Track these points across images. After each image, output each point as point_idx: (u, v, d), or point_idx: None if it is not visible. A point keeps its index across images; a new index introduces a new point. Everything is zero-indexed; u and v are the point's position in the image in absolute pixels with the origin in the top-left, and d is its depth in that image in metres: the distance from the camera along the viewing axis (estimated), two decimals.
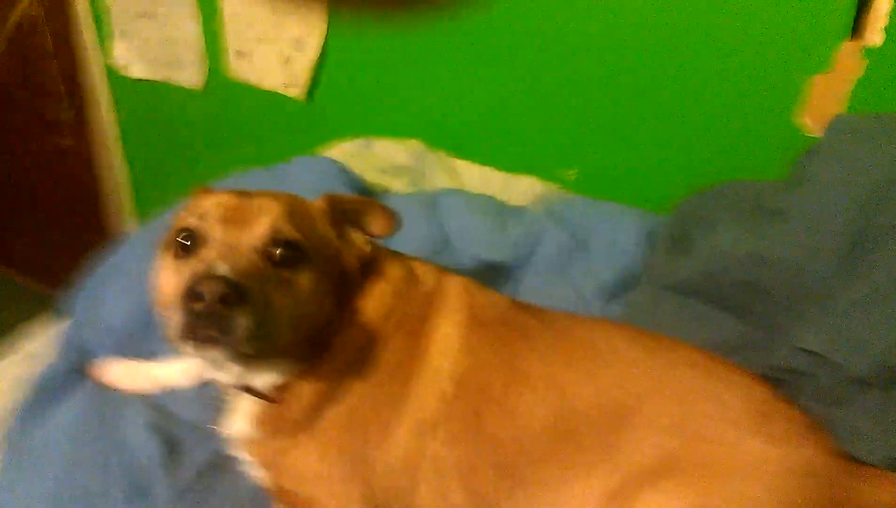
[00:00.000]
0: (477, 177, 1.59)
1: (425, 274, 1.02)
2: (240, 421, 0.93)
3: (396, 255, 1.03)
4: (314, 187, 1.38)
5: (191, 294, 0.71)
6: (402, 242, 1.04)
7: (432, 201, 1.41)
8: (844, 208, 0.98)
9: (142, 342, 1.14)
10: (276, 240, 0.82)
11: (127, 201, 2.49)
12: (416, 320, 0.96)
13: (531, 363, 0.93)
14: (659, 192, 1.47)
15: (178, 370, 1.10)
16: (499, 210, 1.40)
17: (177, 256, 0.83)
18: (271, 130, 2.01)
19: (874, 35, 1.21)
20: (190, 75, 2.03)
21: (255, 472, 0.94)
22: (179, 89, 2.07)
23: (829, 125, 1.10)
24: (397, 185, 1.58)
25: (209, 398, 1.02)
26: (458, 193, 1.48)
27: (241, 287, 0.72)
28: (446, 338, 0.94)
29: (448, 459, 0.89)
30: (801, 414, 0.90)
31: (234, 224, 0.82)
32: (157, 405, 1.06)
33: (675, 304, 1.18)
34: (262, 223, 0.82)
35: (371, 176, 1.60)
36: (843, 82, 1.27)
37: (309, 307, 0.84)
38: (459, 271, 1.07)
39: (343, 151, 1.73)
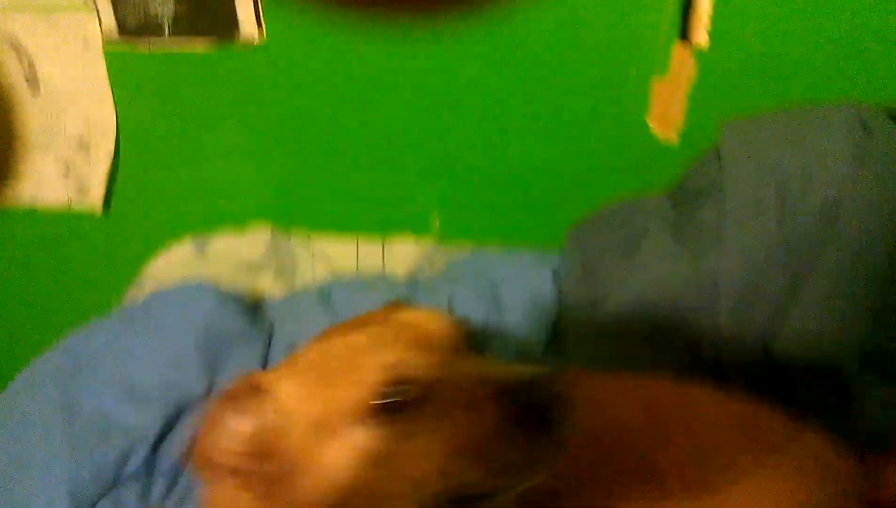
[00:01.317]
0: (346, 253, 1.45)
1: None
2: None
3: None
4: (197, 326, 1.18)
5: None
6: None
7: (326, 298, 1.25)
8: (771, 215, 1.03)
9: None
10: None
11: None
12: None
13: None
14: (531, 225, 1.46)
15: None
16: (397, 288, 1.29)
17: None
18: (59, 260, 1.66)
19: (700, 37, 1.28)
20: None
21: None
22: None
23: (723, 135, 1.14)
24: (264, 286, 1.39)
25: None
26: (345, 282, 1.33)
27: None
28: None
29: None
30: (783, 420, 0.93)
31: None
32: None
33: (614, 342, 1.17)
34: None
35: (226, 283, 1.39)
36: (680, 85, 1.33)
37: None
38: None
39: (173, 263, 1.48)
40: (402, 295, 1.24)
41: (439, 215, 1.52)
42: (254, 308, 1.31)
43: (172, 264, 1.48)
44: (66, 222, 1.58)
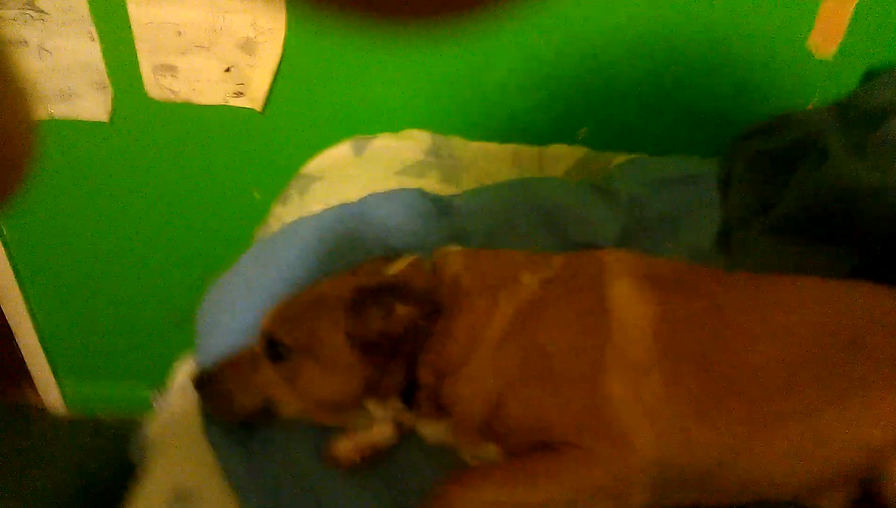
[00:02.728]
0: (504, 157, 1.50)
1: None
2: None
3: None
4: (399, 225, 1.24)
5: None
6: None
7: (529, 189, 1.33)
8: None
9: None
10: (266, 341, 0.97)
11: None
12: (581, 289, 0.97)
13: (731, 306, 0.96)
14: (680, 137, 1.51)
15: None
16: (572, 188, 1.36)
17: None
18: (215, 154, 1.73)
19: None
20: (92, 106, 1.68)
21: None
22: (79, 124, 1.71)
23: None
24: (429, 184, 1.45)
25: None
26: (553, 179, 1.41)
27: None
28: (625, 293, 0.95)
29: (671, 402, 0.89)
30: None
31: None
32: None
33: (785, 246, 1.23)
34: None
35: (391, 182, 1.45)
36: (847, 4, 1.36)
37: (309, 389, 0.96)
38: None
39: (335, 160, 1.54)
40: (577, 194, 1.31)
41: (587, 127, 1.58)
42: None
43: (335, 162, 1.54)
44: (225, 118, 1.64)
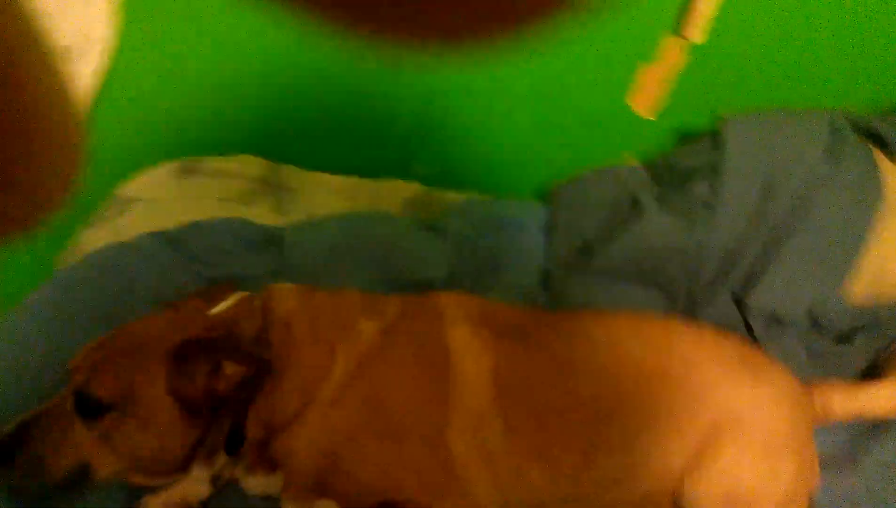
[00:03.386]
0: (342, 187, 1.47)
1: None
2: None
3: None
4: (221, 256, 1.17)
5: None
6: None
7: (359, 224, 1.32)
8: (755, 195, 1.22)
9: None
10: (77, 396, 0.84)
11: None
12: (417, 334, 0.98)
13: (559, 348, 1.01)
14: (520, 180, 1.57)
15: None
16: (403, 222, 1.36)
17: None
18: None
19: (696, 32, 1.44)
20: None
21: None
22: None
23: (726, 126, 1.32)
24: (259, 213, 1.38)
25: None
26: (384, 214, 1.40)
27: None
28: (464, 341, 0.98)
29: (511, 446, 0.93)
30: (762, 354, 1.13)
31: None
32: None
33: (605, 286, 1.32)
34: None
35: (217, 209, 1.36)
36: (667, 72, 1.50)
37: (128, 450, 0.86)
38: None
39: (156, 182, 1.42)
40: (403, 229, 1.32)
41: (422, 164, 1.59)
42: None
43: (152, 185, 1.42)
44: None
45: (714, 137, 1.34)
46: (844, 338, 1.24)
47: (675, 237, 1.28)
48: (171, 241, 1.17)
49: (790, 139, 1.28)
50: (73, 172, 0.35)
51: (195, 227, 1.20)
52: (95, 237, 1.28)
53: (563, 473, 0.96)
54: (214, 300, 0.97)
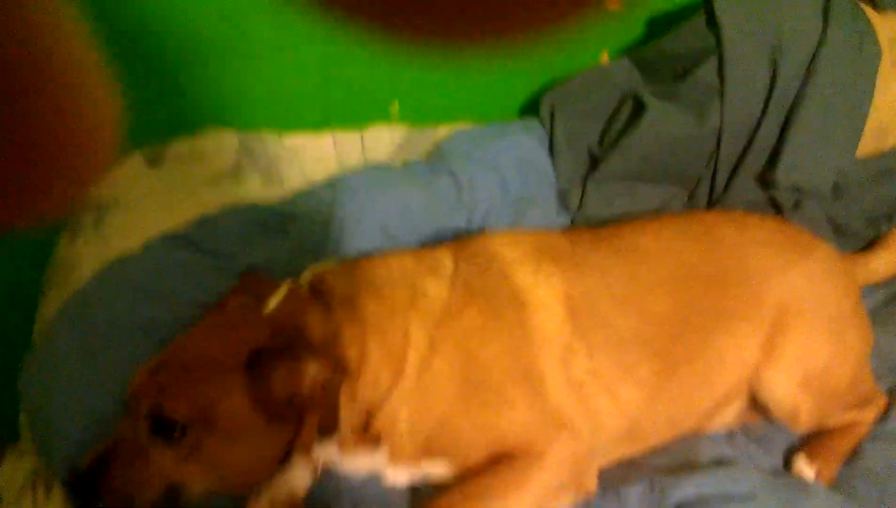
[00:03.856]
0: (326, 144, 1.38)
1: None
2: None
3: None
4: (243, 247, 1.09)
5: None
6: None
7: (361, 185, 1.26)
8: (762, 70, 1.20)
9: None
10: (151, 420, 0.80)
11: None
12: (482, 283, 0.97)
13: (617, 265, 1.03)
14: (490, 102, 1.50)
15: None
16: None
17: None
18: None
19: None
20: None
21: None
22: None
23: (717, 5, 1.27)
24: (252, 189, 1.27)
25: None
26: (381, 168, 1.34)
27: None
28: (530, 278, 0.98)
29: (598, 369, 0.95)
30: (804, 230, 1.16)
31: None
32: None
33: (623, 190, 1.30)
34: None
35: (204, 194, 1.25)
36: None
37: (220, 465, 0.83)
38: None
39: (126, 178, 1.28)
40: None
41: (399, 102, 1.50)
42: None
43: (123, 183, 1.29)
44: None
45: (705, 17, 1.30)
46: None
47: (683, 127, 1.26)
48: (184, 241, 1.08)
49: (784, 6, 1.25)
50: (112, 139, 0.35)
51: (204, 222, 1.11)
52: (85, 252, 1.16)
53: (650, 387, 0.98)
54: (261, 297, 0.91)
